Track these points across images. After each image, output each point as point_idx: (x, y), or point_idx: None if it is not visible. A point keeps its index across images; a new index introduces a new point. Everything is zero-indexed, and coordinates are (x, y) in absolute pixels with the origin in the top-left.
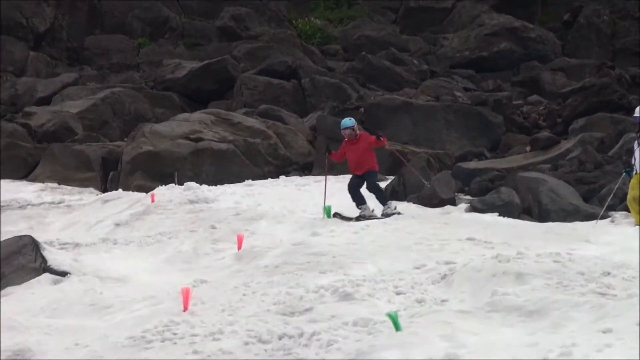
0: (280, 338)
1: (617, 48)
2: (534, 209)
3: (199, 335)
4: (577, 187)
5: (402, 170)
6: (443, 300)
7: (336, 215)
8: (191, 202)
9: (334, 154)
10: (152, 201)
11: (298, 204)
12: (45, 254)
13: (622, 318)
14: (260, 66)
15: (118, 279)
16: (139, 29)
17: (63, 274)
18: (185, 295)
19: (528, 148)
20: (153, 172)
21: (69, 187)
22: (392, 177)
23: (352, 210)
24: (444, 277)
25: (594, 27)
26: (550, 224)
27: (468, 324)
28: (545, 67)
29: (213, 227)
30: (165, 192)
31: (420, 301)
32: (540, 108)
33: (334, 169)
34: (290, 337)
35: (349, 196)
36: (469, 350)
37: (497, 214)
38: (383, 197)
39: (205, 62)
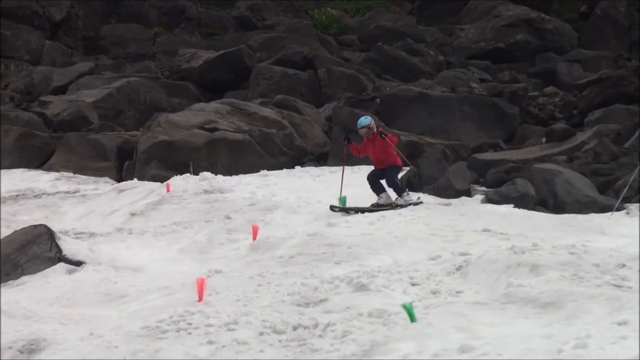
0: (295, 329)
1: (634, 40)
2: (550, 201)
3: (213, 325)
4: (593, 178)
5: (417, 161)
6: (458, 292)
7: (333, 208)
8: (206, 192)
9: (354, 146)
10: (168, 191)
11: (313, 195)
12: (61, 243)
13: (638, 310)
14: (276, 56)
15: (133, 268)
16: (155, 19)
17: (78, 263)
18: (200, 285)
19: (544, 139)
20: (168, 162)
21: (84, 177)
22: (408, 168)
23: (367, 200)
24: (459, 268)
25: (610, 18)
26: (565, 215)
27: (483, 315)
28: (561, 59)
29: (228, 217)
30: (180, 182)
31: (435, 292)
32: (556, 99)
33: (350, 159)
34: (305, 327)
35: (365, 187)
36: (484, 341)
37: (513, 205)
38: (399, 190)
39: (221, 52)
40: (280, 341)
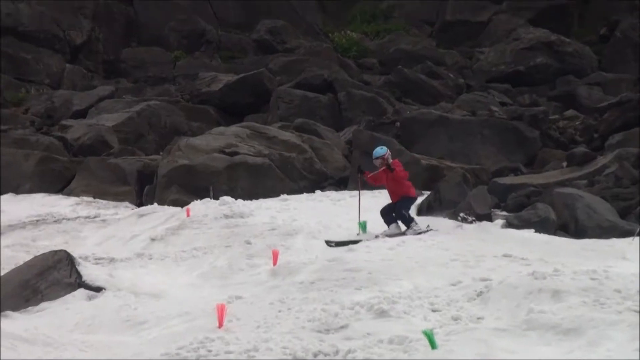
0: (315, 355)
1: None
2: (570, 226)
3: (233, 352)
4: (614, 203)
5: (437, 185)
6: (479, 318)
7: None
8: (226, 216)
9: (370, 176)
10: (188, 216)
11: (334, 219)
12: (81, 269)
13: None
14: (296, 79)
15: (153, 294)
16: (176, 42)
17: (98, 289)
18: (220, 311)
19: (564, 163)
20: (188, 186)
21: (104, 201)
22: (428, 192)
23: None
24: (479, 294)
25: (630, 41)
26: (586, 240)
27: (504, 342)
28: (581, 82)
29: (248, 243)
30: (200, 207)
31: (456, 319)
32: (577, 123)
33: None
34: (326, 354)
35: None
36: None
37: (533, 230)
38: (407, 222)
39: (242, 75)
40: None
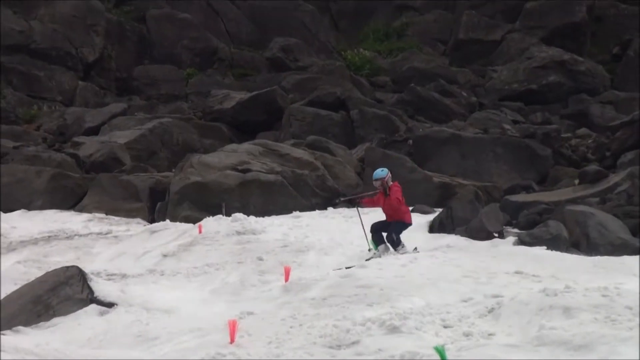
0: None
1: None
2: (582, 243)
3: None
4: (626, 220)
5: (449, 202)
6: (490, 334)
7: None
8: (238, 233)
9: (366, 200)
10: (200, 232)
11: (345, 236)
12: (92, 284)
13: None
14: (309, 97)
15: (165, 310)
16: (188, 59)
17: (110, 305)
18: (232, 327)
19: (576, 181)
20: (201, 203)
21: (116, 218)
22: (440, 210)
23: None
24: (491, 310)
25: None
26: (598, 257)
27: (515, 358)
28: (594, 100)
29: (260, 259)
30: (212, 223)
31: (467, 335)
32: (589, 141)
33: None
34: None
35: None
36: None
37: (545, 247)
38: (395, 245)
39: (254, 92)
40: None
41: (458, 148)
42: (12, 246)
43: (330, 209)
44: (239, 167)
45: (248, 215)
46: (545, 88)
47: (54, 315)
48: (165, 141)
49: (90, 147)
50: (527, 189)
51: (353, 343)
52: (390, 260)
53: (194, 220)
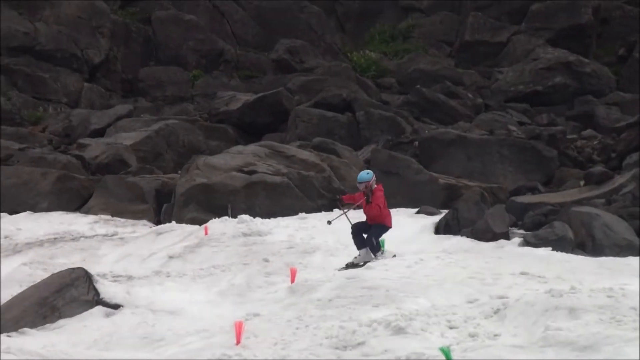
0: None
1: None
2: (588, 244)
3: None
4: (631, 222)
5: (455, 204)
6: (496, 335)
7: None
8: (244, 235)
9: (346, 198)
10: (206, 234)
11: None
12: (98, 286)
13: None
14: (315, 99)
15: (171, 312)
16: (194, 61)
17: (115, 306)
18: (238, 328)
19: (582, 182)
20: (206, 204)
21: (122, 220)
22: (446, 211)
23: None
24: (496, 311)
25: None
26: (603, 258)
27: (521, 358)
28: (599, 102)
29: (266, 260)
30: (218, 225)
31: (473, 335)
32: (595, 142)
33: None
34: None
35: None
36: None
37: (551, 248)
38: (374, 250)
39: (260, 94)
40: None
41: (464, 149)
42: (17, 248)
43: (336, 210)
44: (245, 169)
45: (254, 217)
46: (550, 89)
47: (60, 317)
48: (171, 143)
49: (95, 148)
50: (533, 190)
51: (359, 344)
52: (396, 261)
53: (200, 221)
